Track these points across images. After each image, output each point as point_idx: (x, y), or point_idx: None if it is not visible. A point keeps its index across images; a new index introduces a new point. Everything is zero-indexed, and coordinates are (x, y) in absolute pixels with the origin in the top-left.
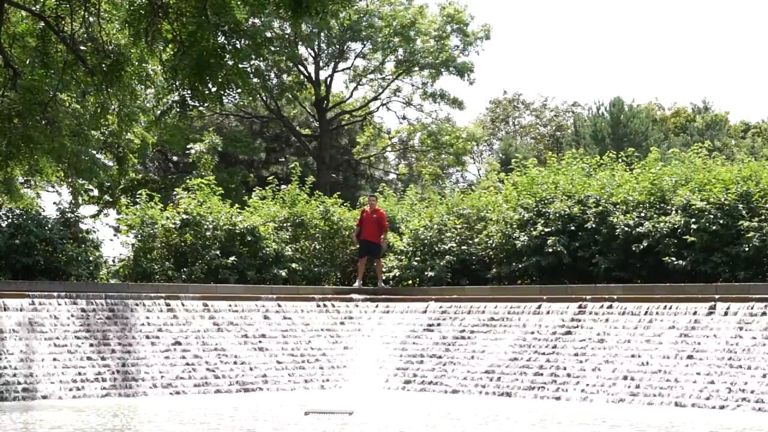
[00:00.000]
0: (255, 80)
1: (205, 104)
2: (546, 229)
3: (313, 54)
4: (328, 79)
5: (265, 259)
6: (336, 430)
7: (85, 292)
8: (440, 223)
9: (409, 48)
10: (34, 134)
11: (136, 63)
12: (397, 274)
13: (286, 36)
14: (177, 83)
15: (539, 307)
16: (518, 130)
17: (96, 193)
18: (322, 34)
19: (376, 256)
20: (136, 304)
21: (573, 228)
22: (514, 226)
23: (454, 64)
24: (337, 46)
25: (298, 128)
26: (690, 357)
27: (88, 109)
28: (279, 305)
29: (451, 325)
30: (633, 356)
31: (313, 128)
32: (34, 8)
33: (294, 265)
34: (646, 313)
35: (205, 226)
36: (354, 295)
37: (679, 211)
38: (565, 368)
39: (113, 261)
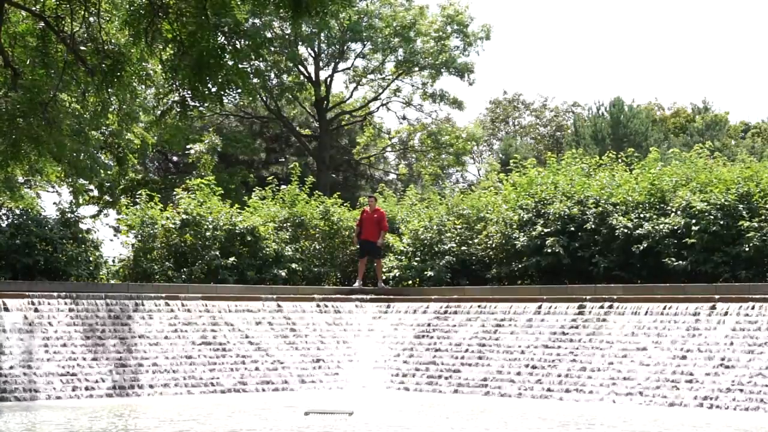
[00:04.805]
0: (255, 80)
1: (205, 104)
2: (545, 230)
3: (313, 54)
4: (328, 80)
5: (265, 259)
6: (336, 430)
7: (85, 292)
8: (440, 223)
9: (409, 48)
10: (37, 133)
11: (136, 63)
12: (397, 274)
13: (286, 36)
14: (177, 83)
15: (539, 307)
16: (518, 130)
17: (96, 193)
18: (322, 34)
19: (376, 256)
20: (136, 305)
21: (573, 228)
22: (514, 226)
23: (454, 65)
24: (337, 47)
25: (298, 128)
26: (690, 357)
27: (88, 109)
28: (279, 305)
29: (450, 325)
30: (633, 356)
31: (313, 128)
32: (34, 8)
33: (294, 265)
34: (646, 313)
35: (205, 227)
36: (354, 295)
37: (679, 212)
38: (565, 368)
39: (113, 261)
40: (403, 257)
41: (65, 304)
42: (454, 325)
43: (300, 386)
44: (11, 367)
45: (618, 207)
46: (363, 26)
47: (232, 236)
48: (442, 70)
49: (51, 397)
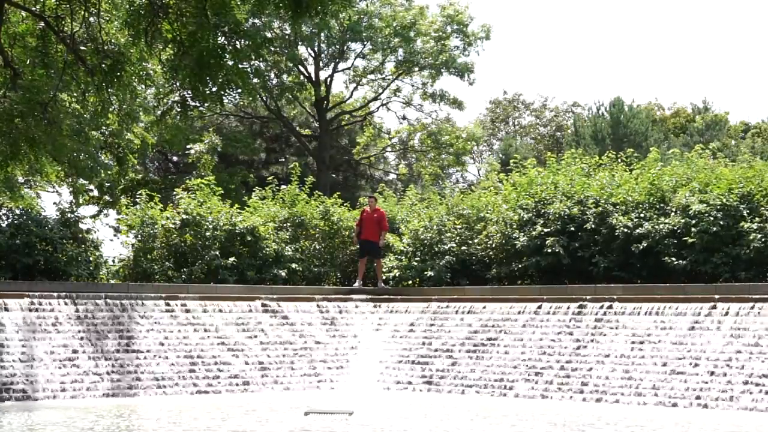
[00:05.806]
0: (255, 80)
1: (205, 104)
2: (545, 230)
3: (313, 54)
4: (328, 80)
5: (265, 259)
6: (336, 430)
7: (85, 292)
8: (440, 223)
9: (409, 48)
10: (36, 133)
11: (136, 63)
12: (397, 274)
13: (286, 36)
14: (177, 83)
15: (539, 307)
16: (518, 130)
17: (96, 193)
18: (322, 34)
19: (376, 256)
20: (136, 305)
21: (572, 228)
22: (514, 226)
23: (454, 65)
24: (337, 47)
25: (298, 128)
26: (690, 357)
27: (88, 109)
28: (279, 305)
29: (451, 325)
30: (633, 356)
31: (313, 128)
32: (34, 8)
33: (294, 265)
34: (646, 313)
35: (205, 227)
36: (354, 295)
37: (679, 212)
38: (565, 369)
39: (113, 261)
40: (403, 257)
41: (65, 304)
42: (455, 325)
43: (300, 386)
44: (12, 367)
45: (618, 207)
46: (363, 26)
47: (232, 236)
48: (442, 70)
49: (51, 397)
